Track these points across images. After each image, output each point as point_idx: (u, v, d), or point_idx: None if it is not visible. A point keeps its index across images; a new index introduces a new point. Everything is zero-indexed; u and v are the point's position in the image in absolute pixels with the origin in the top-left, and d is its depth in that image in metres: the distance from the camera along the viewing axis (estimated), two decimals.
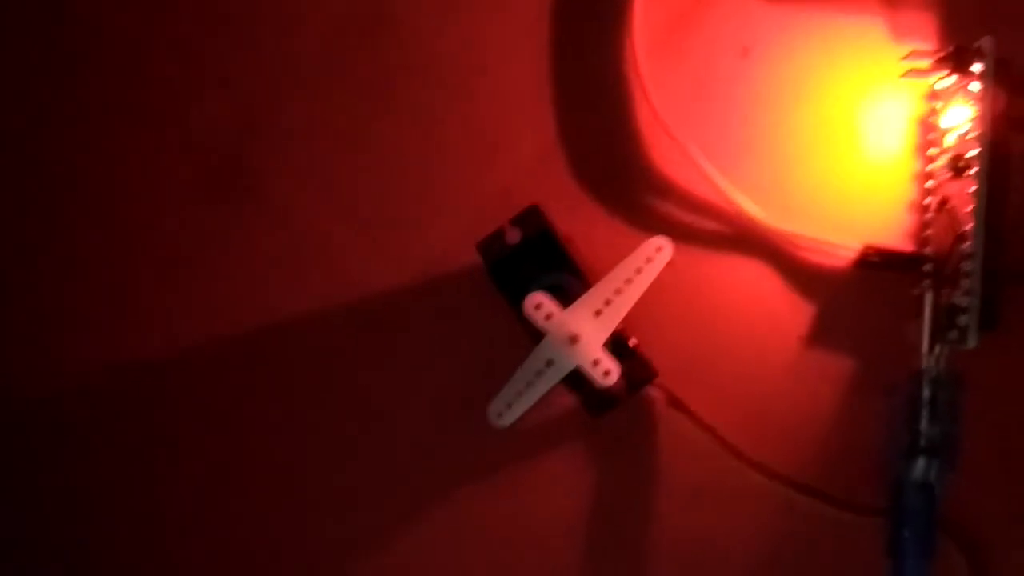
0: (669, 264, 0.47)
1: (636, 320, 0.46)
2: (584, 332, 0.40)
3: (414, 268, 0.50)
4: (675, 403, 0.47)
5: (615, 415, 0.45)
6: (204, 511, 0.52)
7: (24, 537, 0.53)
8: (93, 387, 0.52)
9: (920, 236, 0.46)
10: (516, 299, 0.40)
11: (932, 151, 0.46)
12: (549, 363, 0.41)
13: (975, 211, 0.42)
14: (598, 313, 0.40)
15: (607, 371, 0.40)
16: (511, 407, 0.41)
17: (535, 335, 0.41)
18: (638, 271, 0.40)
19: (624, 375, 0.43)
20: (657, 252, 0.41)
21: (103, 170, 0.52)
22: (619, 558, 0.49)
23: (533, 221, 0.43)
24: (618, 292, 0.40)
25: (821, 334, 0.48)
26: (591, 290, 0.40)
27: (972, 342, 0.43)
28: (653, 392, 0.47)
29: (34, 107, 0.52)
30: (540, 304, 0.40)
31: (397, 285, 0.50)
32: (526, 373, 0.41)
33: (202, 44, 0.52)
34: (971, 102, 0.43)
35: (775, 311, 0.48)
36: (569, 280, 0.42)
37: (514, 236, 0.43)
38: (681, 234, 0.48)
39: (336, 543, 0.51)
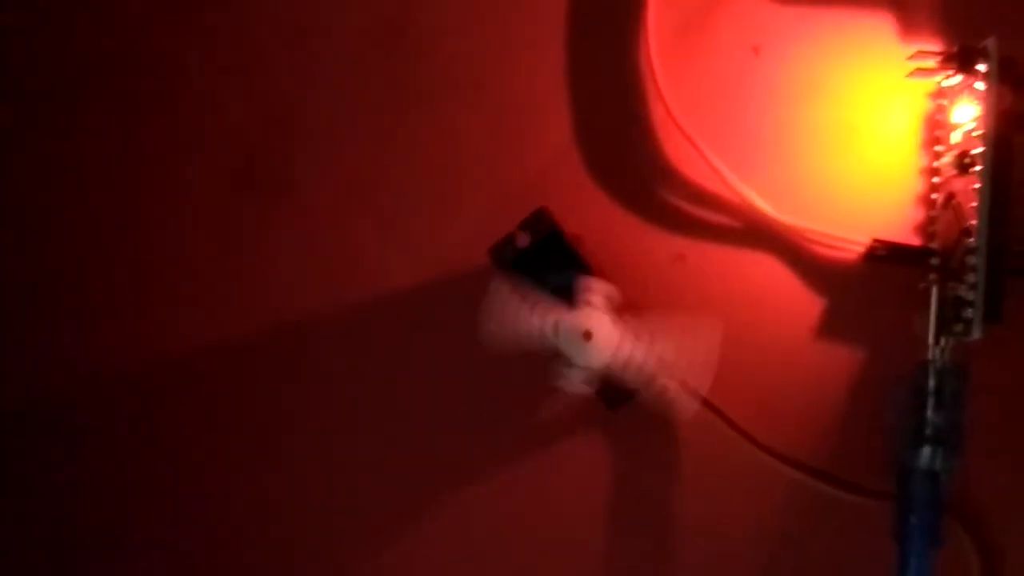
0: (682, 259, 0.49)
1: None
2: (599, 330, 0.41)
3: (435, 264, 0.50)
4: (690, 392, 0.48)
5: (632, 405, 0.46)
6: (215, 507, 0.52)
7: (25, 535, 0.53)
8: (117, 381, 0.52)
9: (927, 231, 0.47)
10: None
11: (939, 148, 0.47)
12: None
13: (979, 207, 0.43)
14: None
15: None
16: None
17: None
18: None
19: None
20: None
21: (130, 164, 0.53)
22: (637, 543, 0.50)
23: (542, 223, 0.43)
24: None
25: (830, 325, 0.48)
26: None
27: (976, 334, 0.43)
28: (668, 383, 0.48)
29: (63, 103, 0.53)
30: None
31: (418, 281, 0.51)
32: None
33: (232, 43, 0.52)
34: (976, 100, 0.44)
35: (786, 303, 0.49)
36: (579, 278, 0.43)
37: (524, 240, 0.44)
38: (694, 229, 0.49)
39: (357, 539, 0.52)
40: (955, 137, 0.46)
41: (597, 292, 0.41)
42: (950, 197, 0.46)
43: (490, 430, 0.50)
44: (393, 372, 0.51)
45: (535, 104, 0.50)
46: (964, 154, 0.45)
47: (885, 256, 0.47)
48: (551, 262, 0.43)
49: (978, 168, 0.44)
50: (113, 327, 0.52)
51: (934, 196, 0.47)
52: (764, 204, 0.48)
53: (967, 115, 0.45)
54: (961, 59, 0.44)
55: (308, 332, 0.51)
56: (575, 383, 0.41)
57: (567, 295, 0.41)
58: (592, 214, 0.49)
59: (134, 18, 0.53)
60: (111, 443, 0.52)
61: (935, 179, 0.47)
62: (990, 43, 0.43)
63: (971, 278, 0.43)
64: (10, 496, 0.53)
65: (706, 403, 0.48)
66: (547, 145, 0.50)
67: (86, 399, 0.53)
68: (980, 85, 0.44)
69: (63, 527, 0.53)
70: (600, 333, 0.40)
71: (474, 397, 0.50)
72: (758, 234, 0.49)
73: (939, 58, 0.45)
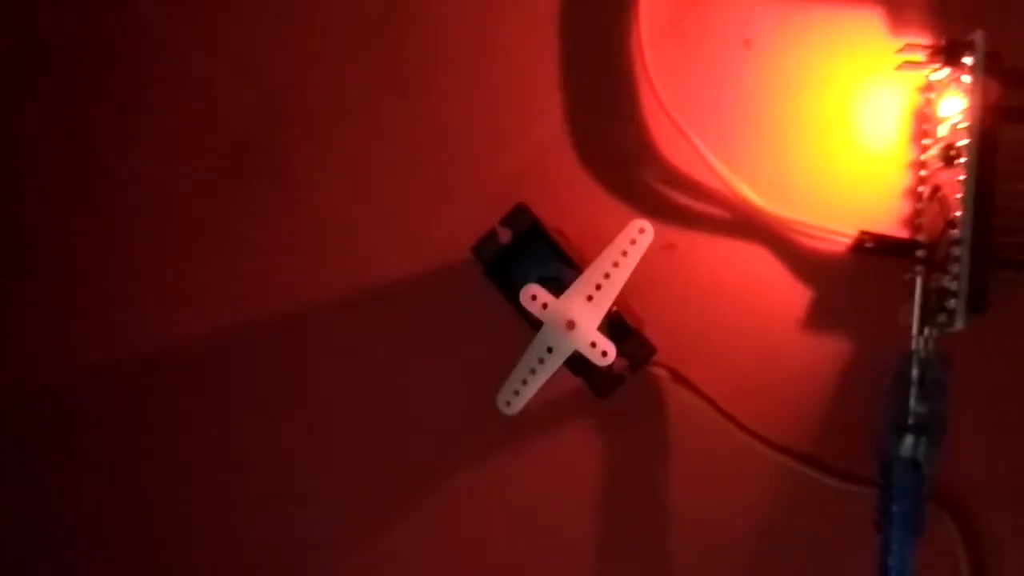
0: (672, 248, 0.49)
1: (641, 301, 0.49)
2: (579, 317, 0.41)
3: (427, 252, 0.51)
4: (679, 379, 0.49)
5: (622, 393, 0.46)
6: (207, 501, 0.53)
7: (21, 535, 0.54)
8: (107, 374, 0.52)
9: (913, 223, 0.48)
10: (515, 295, 0.41)
11: (926, 141, 0.47)
12: (549, 350, 0.42)
13: (964, 199, 0.44)
14: (590, 298, 0.41)
15: (604, 351, 0.41)
16: (518, 395, 0.43)
17: (536, 325, 0.42)
18: (624, 254, 0.41)
19: (625, 354, 0.44)
20: (640, 234, 0.41)
21: (123, 154, 0.53)
22: (628, 529, 0.51)
23: (521, 219, 0.44)
24: (607, 276, 0.41)
25: (817, 315, 0.49)
26: (581, 277, 0.41)
27: (960, 324, 0.44)
28: (658, 370, 0.49)
29: (54, 94, 0.53)
30: (535, 295, 0.40)
31: (410, 270, 0.51)
32: (528, 361, 0.42)
33: (227, 29, 0.52)
34: (963, 94, 0.45)
35: (774, 293, 0.49)
36: (562, 270, 0.43)
37: (505, 235, 0.44)
38: (684, 219, 0.50)
39: (348, 530, 0.52)
40: (942, 130, 0.46)
41: (587, 283, 0.41)
42: (936, 189, 0.46)
43: (480, 420, 0.50)
44: (384, 362, 0.52)
45: (528, 94, 0.51)
46: (950, 147, 0.45)
47: (872, 248, 0.48)
48: (534, 255, 0.44)
49: (963, 160, 0.44)
50: (104, 319, 0.53)
51: (921, 189, 0.48)
52: (754, 195, 0.48)
53: (954, 108, 0.46)
54: (948, 52, 0.45)
55: (299, 322, 0.52)
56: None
57: (553, 286, 0.41)
58: (583, 204, 0.50)
59: (128, 5, 0.53)
60: (104, 437, 0.53)
61: (922, 172, 0.48)
62: (977, 37, 0.44)
63: (955, 269, 0.44)
64: (7, 495, 0.54)
65: (694, 390, 0.49)
66: (539, 135, 0.51)
67: (77, 393, 0.53)
68: (967, 78, 0.44)
69: (55, 523, 0.53)
70: (583, 324, 0.41)
71: (465, 387, 0.51)
72: (747, 225, 0.49)
73: (927, 51, 0.46)
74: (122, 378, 0.53)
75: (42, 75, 0.53)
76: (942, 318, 0.45)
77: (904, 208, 0.48)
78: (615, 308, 0.43)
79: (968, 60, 0.44)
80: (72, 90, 0.53)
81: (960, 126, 0.45)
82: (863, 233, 0.48)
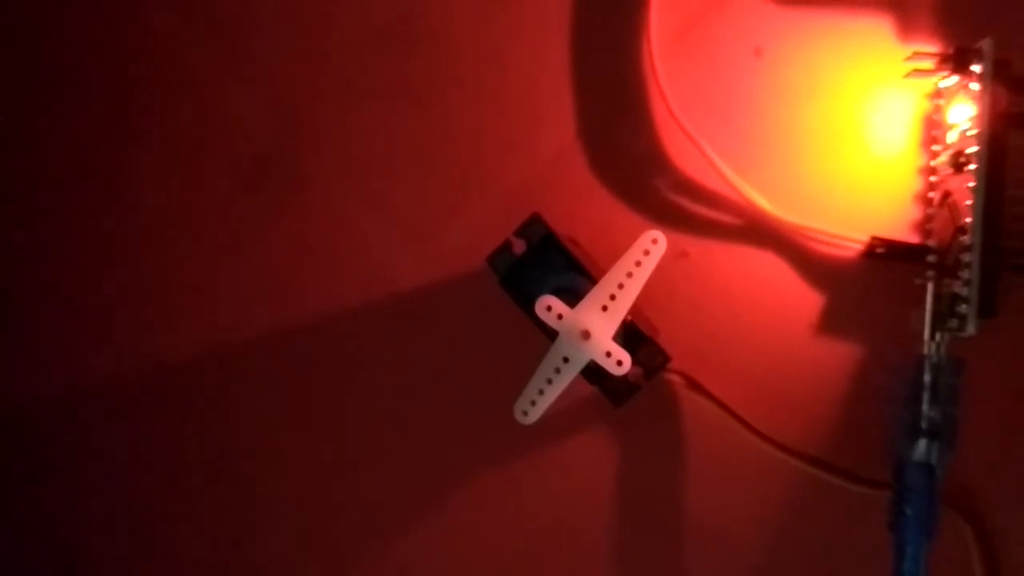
0: (685, 256, 0.50)
1: (655, 309, 0.49)
2: (594, 327, 0.41)
3: (442, 262, 0.51)
4: (694, 386, 0.50)
5: (637, 400, 0.46)
6: (226, 507, 0.53)
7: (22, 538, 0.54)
8: (122, 379, 0.53)
9: (924, 228, 0.48)
10: (530, 305, 0.41)
11: (935, 147, 0.48)
12: (565, 360, 0.42)
13: (974, 205, 0.44)
14: (605, 308, 0.41)
15: (619, 361, 0.41)
16: (535, 404, 0.43)
17: (551, 335, 0.42)
18: (637, 264, 0.41)
19: (640, 362, 0.45)
20: (653, 244, 0.42)
21: (137, 164, 0.53)
22: (644, 535, 0.51)
23: (536, 229, 0.44)
24: (621, 286, 0.41)
25: (829, 321, 0.49)
26: (596, 287, 0.42)
27: (971, 329, 0.44)
28: (672, 377, 0.49)
29: (68, 103, 0.53)
30: (550, 306, 0.41)
31: (425, 280, 0.51)
32: (545, 371, 0.43)
33: (240, 39, 0.53)
34: (972, 101, 0.45)
35: (786, 299, 0.50)
36: (576, 279, 0.44)
37: (520, 246, 0.44)
38: (696, 227, 0.50)
39: (362, 536, 0.53)
40: (951, 137, 0.47)
41: (601, 293, 0.42)
42: (946, 195, 0.47)
43: (497, 429, 0.51)
44: (401, 372, 0.52)
45: (540, 104, 0.51)
46: (960, 153, 0.45)
47: (883, 253, 0.48)
48: (549, 266, 0.44)
49: (973, 167, 0.44)
50: (119, 327, 0.53)
51: (931, 194, 0.48)
52: (765, 202, 0.49)
53: (963, 115, 0.46)
54: (957, 60, 0.45)
55: (313, 331, 0.52)
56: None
57: (568, 296, 0.42)
58: (595, 212, 0.50)
59: (142, 17, 0.53)
60: (113, 442, 0.54)
61: (932, 178, 0.48)
62: (985, 44, 0.44)
63: (966, 274, 0.44)
64: (10, 497, 0.54)
65: (708, 396, 0.49)
66: (551, 144, 0.51)
67: (83, 401, 0.54)
68: (975, 86, 0.45)
69: (58, 525, 0.54)
70: (598, 334, 0.41)
71: (481, 397, 0.51)
72: (759, 232, 0.50)
73: (936, 59, 0.46)
74: (132, 386, 0.53)
75: (53, 82, 0.54)
76: (953, 323, 0.45)
77: (915, 214, 0.48)
78: (629, 317, 0.43)
79: (976, 67, 0.44)
80: (83, 101, 0.54)
81: (969, 133, 0.45)
82: (874, 239, 0.48)
